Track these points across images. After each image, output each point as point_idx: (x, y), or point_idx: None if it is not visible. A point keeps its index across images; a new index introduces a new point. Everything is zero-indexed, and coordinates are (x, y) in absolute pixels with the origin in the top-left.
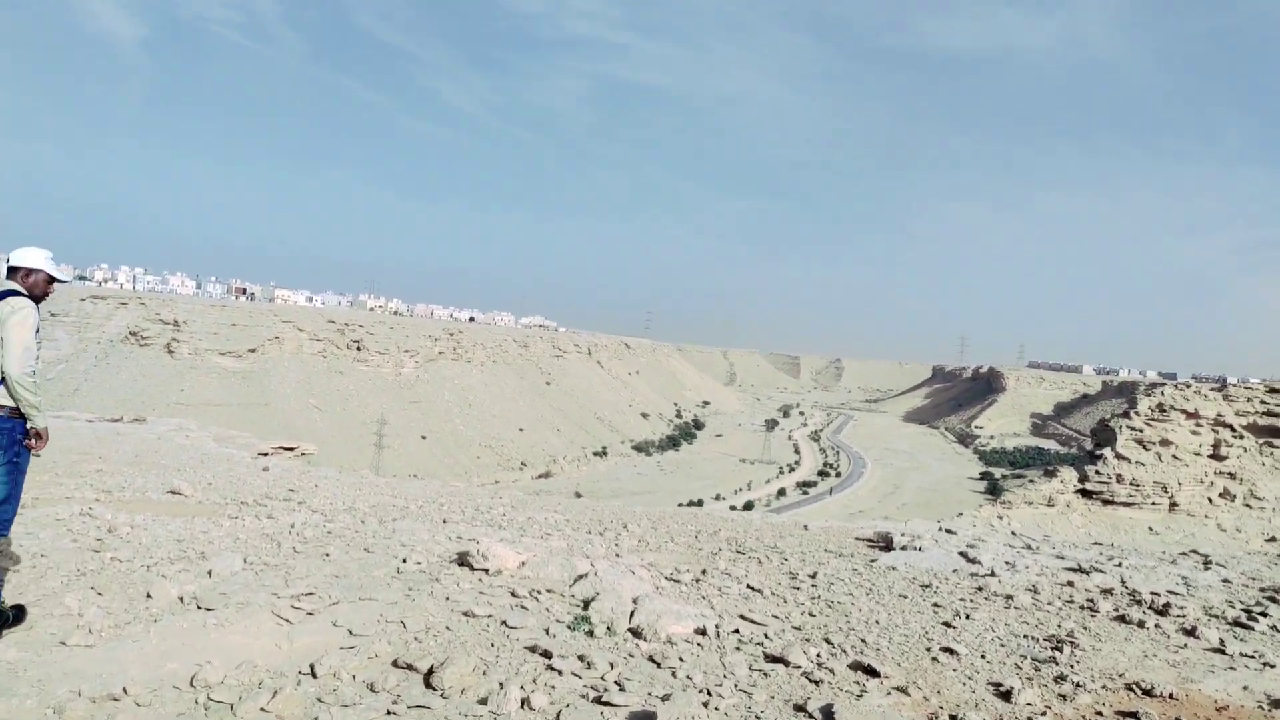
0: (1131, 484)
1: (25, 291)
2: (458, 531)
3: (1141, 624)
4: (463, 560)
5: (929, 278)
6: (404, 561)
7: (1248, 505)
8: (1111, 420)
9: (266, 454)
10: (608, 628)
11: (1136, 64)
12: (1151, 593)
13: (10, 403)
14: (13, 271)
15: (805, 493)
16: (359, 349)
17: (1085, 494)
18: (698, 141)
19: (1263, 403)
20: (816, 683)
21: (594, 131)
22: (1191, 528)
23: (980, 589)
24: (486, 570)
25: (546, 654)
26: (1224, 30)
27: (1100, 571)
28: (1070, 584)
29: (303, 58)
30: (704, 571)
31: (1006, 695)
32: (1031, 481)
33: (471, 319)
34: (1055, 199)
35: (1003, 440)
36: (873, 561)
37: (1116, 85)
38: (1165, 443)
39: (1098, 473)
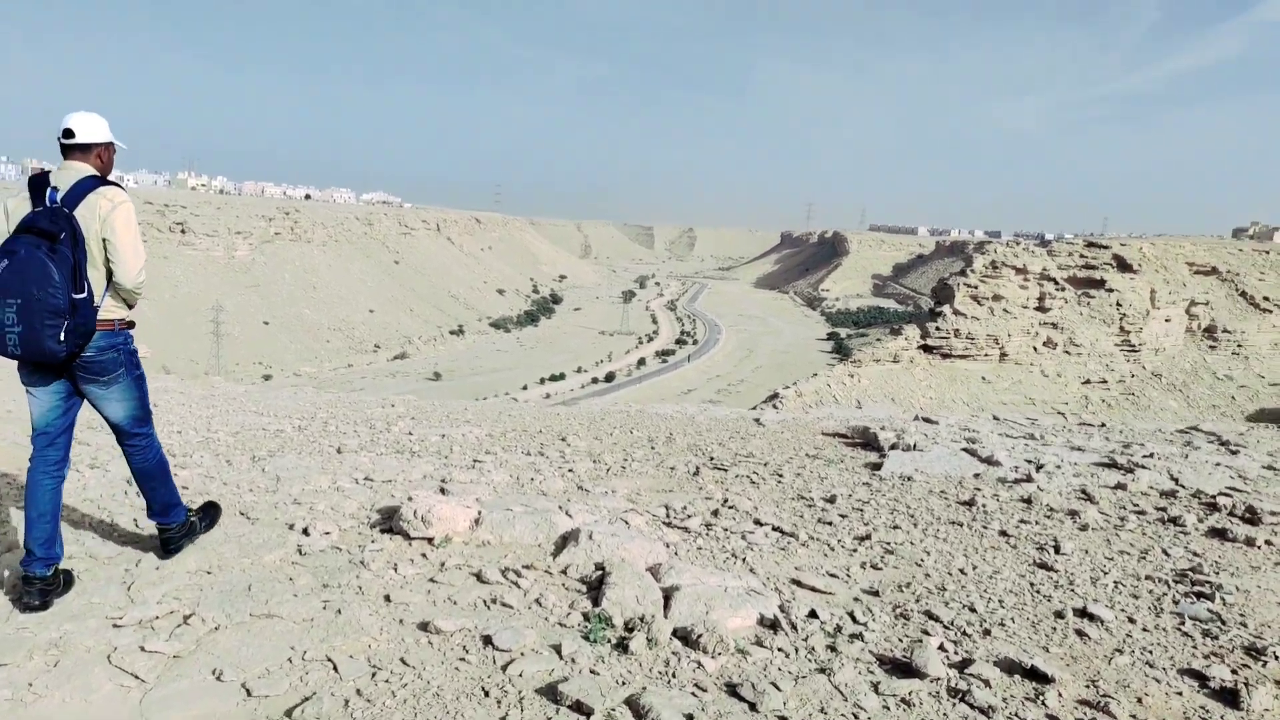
0: (967, 338)
1: (104, 174)
2: (362, 467)
3: (1251, 541)
4: (390, 523)
5: (776, 145)
6: (305, 534)
7: (1067, 352)
8: (950, 279)
9: None
10: (646, 636)
11: None
12: (1219, 493)
13: (121, 313)
14: (82, 149)
15: (664, 361)
16: (184, 232)
17: (927, 349)
18: (533, 2)
19: (1081, 256)
20: (985, 711)
21: None
22: (1019, 375)
23: (1029, 502)
24: (430, 540)
25: (581, 708)
26: None
27: (1142, 468)
28: (1121, 486)
29: None
30: (715, 513)
31: (1228, 697)
32: (879, 340)
33: (308, 196)
34: (891, 62)
35: (847, 301)
36: (875, 469)
37: None
38: (997, 298)
39: (937, 329)
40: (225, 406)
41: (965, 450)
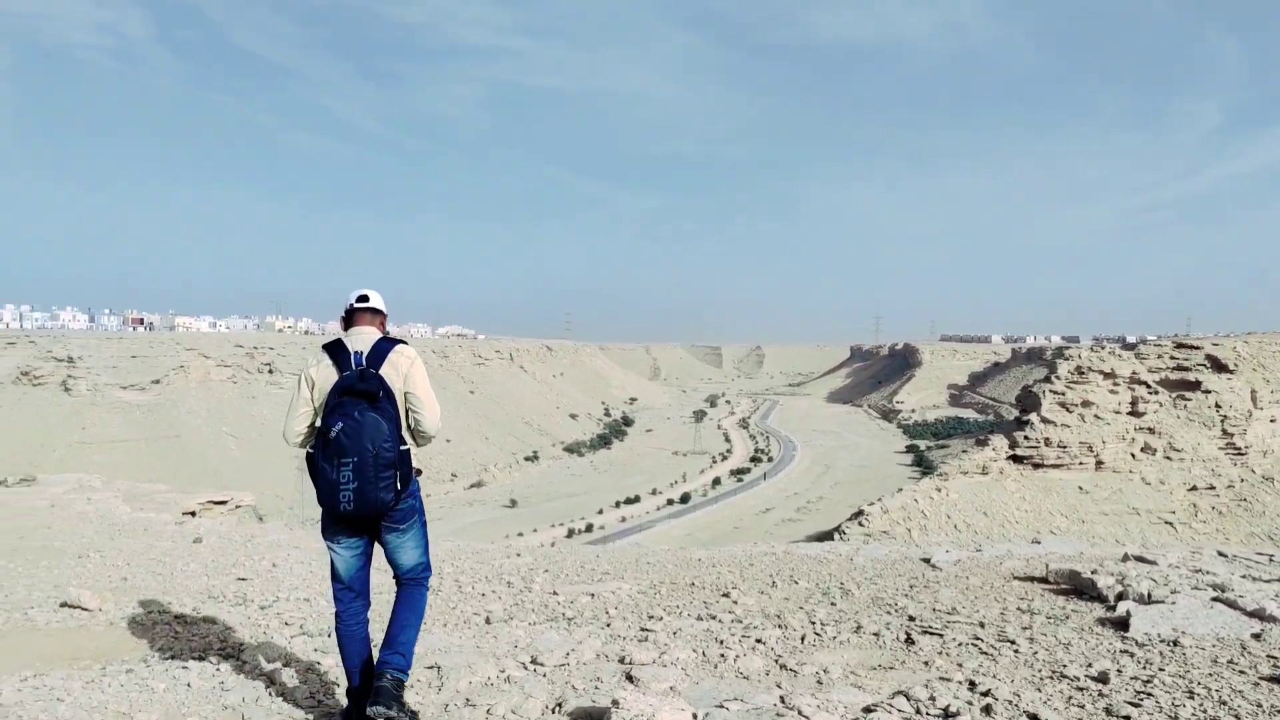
0: (1059, 446)
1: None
2: (521, 644)
3: None
4: None
5: (838, 261)
6: None
7: (1168, 457)
8: (1034, 386)
9: (193, 513)
10: None
11: (1010, 45)
12: None
13: (417, 463)
14: (373, 312)
15: (740, 480)
16: (271, 372)
17: (1016, 459)
18: (598, 141)
19: (1172, 358)
20: None
21: (493, 137)
22: (1118, 484)
23: None
24: None
25: None
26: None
27: None
28: None
29: (181, 79)
30: (986, 710)
31: None
32: (964, 452)
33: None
34: (944, 177)
35: (924, 413)
36: (1118, 628)
37: (994, 66)
38: (1086, 404)
39: (1026, 438)
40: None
41: (1218, 600)
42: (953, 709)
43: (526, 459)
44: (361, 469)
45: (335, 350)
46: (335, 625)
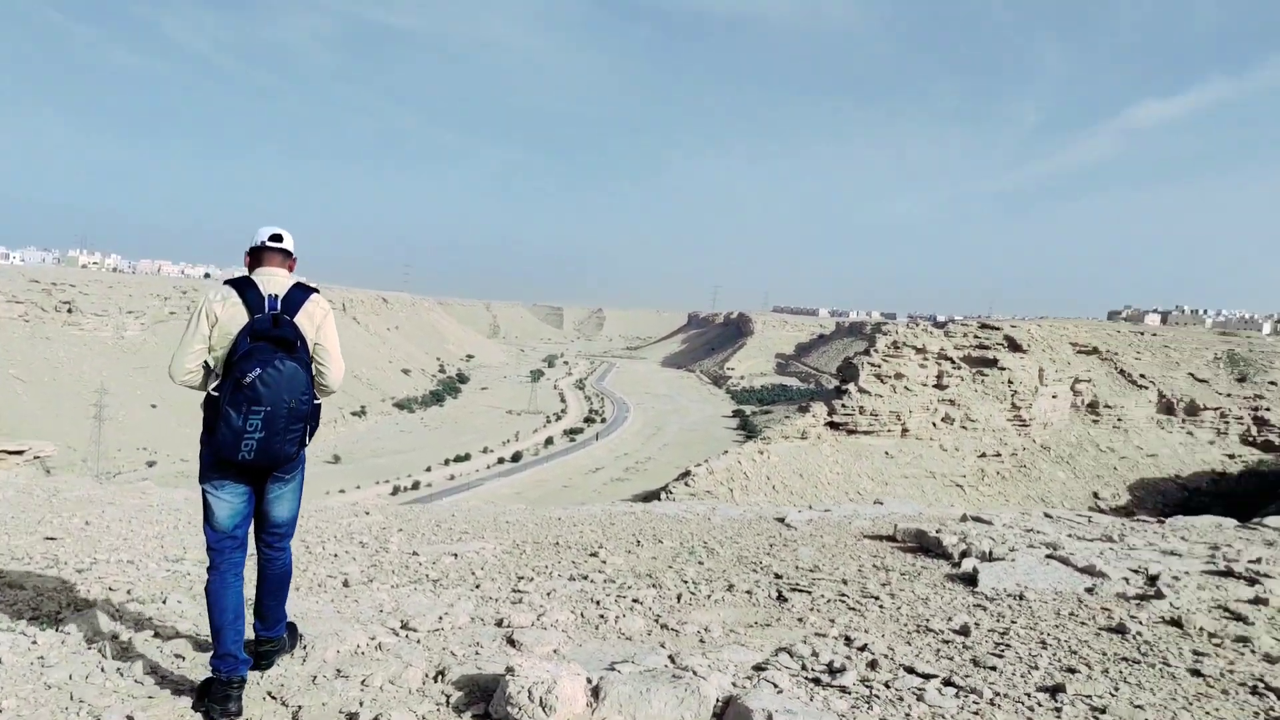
0: (872, 414)
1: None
2: (388, 609)
3: None
4: (488, 707)
5: (684, 228)
6: None
7: (964, 427)
8: (855, 358)
9: None
10: None
11: (865, 32)
12: None
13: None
14: (284, 254)
15: (573, 440)
16: (70, 311)
17: (833, 426)
18: (453, 89)
19: (975, 337)
20: None
21: (340, 75)
22: (920, 450)
23: (1179, 625)
24: None
25: None
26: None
27: (1268, 576)
28: (1262, 601)
29: None
30: (872, 664)
31: None
32: (786, 418)
33: (208, 275)
34: (793, 154)
35: (752, 380)
36: (967, 584)
37: (848, 51)
38: (899, 376)
39: (843, 406)
40: (173, 521)
41: (1052, 558)
42: (836, 664)
43: (353, 414)
44: (272, 420)
45: (244, 288)
46: (209, 579)
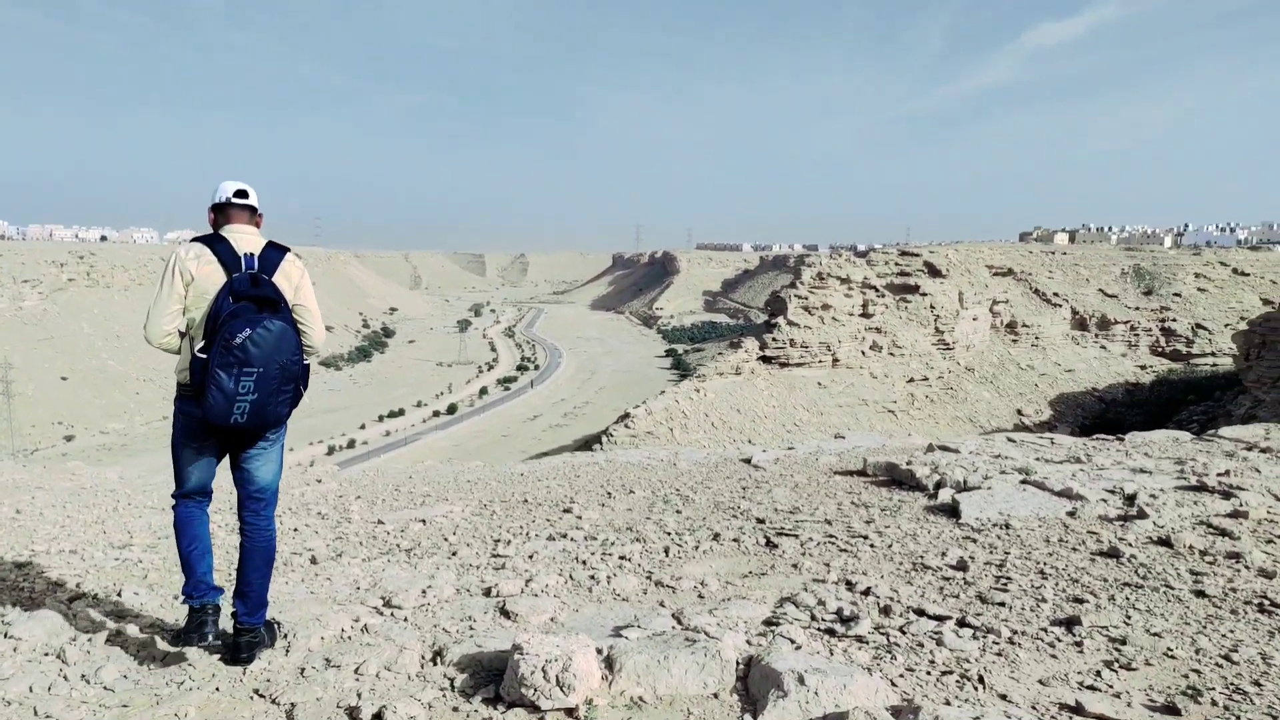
0: (802, 346)
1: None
2: (365, 585)
3: None
4: (500, 688)
5: (603, 168)
6: None
7: (891, 354)
8: (781, 291)
9: None
10: None
11: None
12: None
13: None
14: (251, 210)
15: (507, 389)
16: None
17: (765, 360)
18: (350, 31)
19: (896, 264)
20: None
21: (227, 18)
22: (851, 378)
23: (1169, 544)
24: (571, 712)
25: None
26: None
27: (1241, 489)
28: (1242, 514)
29: None
30: (884, 610)
31: None
32: (720, 354)
33: (104, 238)
34: (709, 87)
35: (681, 319)
36: (950, 515)
37: None
38: (826, 307)
39: (774, 339)
40: (111, 504)
41: (1028, 483)
42: (846, 612)
43: None
44: (265, 380)
45: (215, 245)
46: (177, 511)
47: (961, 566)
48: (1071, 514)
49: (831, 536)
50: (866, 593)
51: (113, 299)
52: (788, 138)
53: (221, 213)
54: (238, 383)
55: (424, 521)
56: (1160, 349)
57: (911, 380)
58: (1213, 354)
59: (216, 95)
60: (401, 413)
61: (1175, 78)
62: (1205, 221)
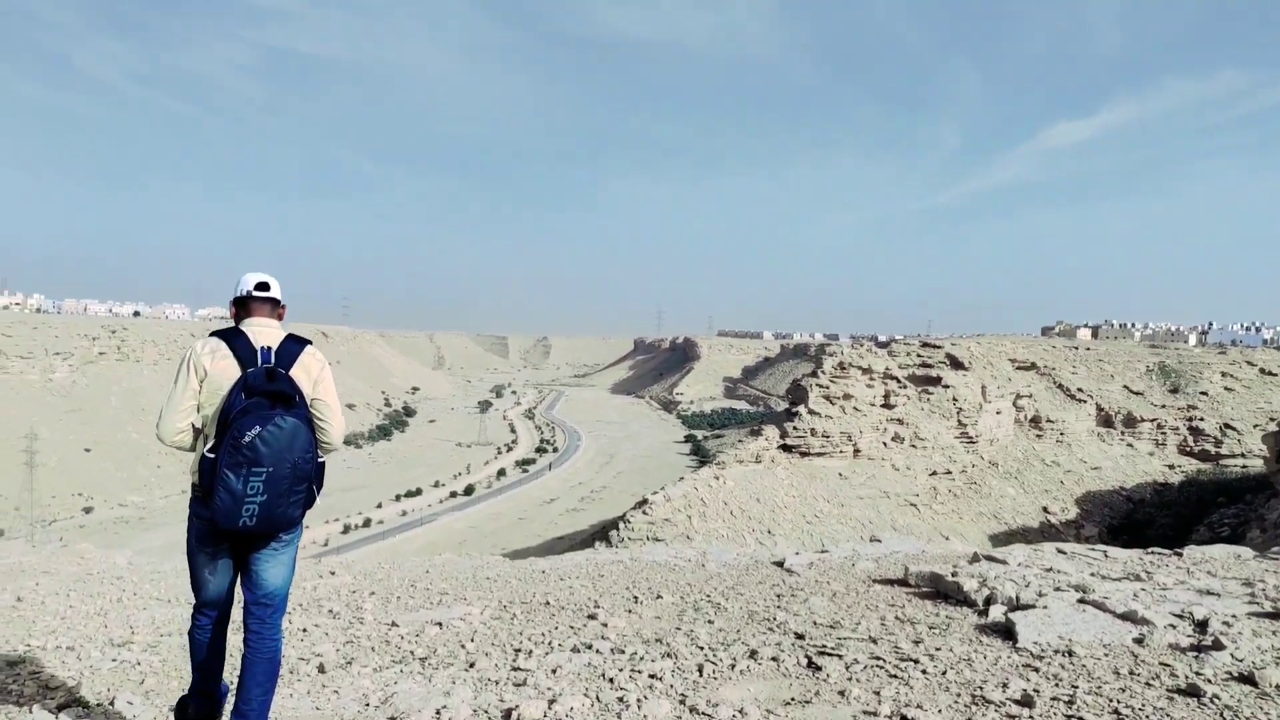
0: (823, 435)
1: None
2: (374, 702)
3: None
4: None
5: (624, 255)
6: None
7: (913, 446)
8: (803, 380)
9: None
10: None
11: (786, 57)
12: None
13: None
14: (274, 303)
15: (525, 470)
16: None
17: (786, 448)
18: (381, 119)
19: (918, 355)
20: None
21: (264, 106)
22: (872, 470)
23: (1252, 683)
24: None
25: None
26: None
27: None
28: None
29: None
30: None
31: None
32: (740, 441)
33: (137, 313)
34: (727, 179)
35: (701, 404)
36: (1003, 636)
37: (771, 77)
38: (847, 396)
39: (795, 428)
40: (115, 594)
41: (1086, 603)
42: None
43: None
44: (275, 481)
45: (233, 339)
46: (193, 636)
47: (1026, 702)
48: (1139, 641)
49: (878, 659)
50: None
51: (141, 373)
52: (807, 228)
53: (243, 306)
54: (246, 483)
55: (440, 625)
56: (1188, 448)
57: (934, 473)
58: (1242, 455)
59: (250, 178)
60: (419, 492)
61: (1193, 178)
62: (1230, 320)
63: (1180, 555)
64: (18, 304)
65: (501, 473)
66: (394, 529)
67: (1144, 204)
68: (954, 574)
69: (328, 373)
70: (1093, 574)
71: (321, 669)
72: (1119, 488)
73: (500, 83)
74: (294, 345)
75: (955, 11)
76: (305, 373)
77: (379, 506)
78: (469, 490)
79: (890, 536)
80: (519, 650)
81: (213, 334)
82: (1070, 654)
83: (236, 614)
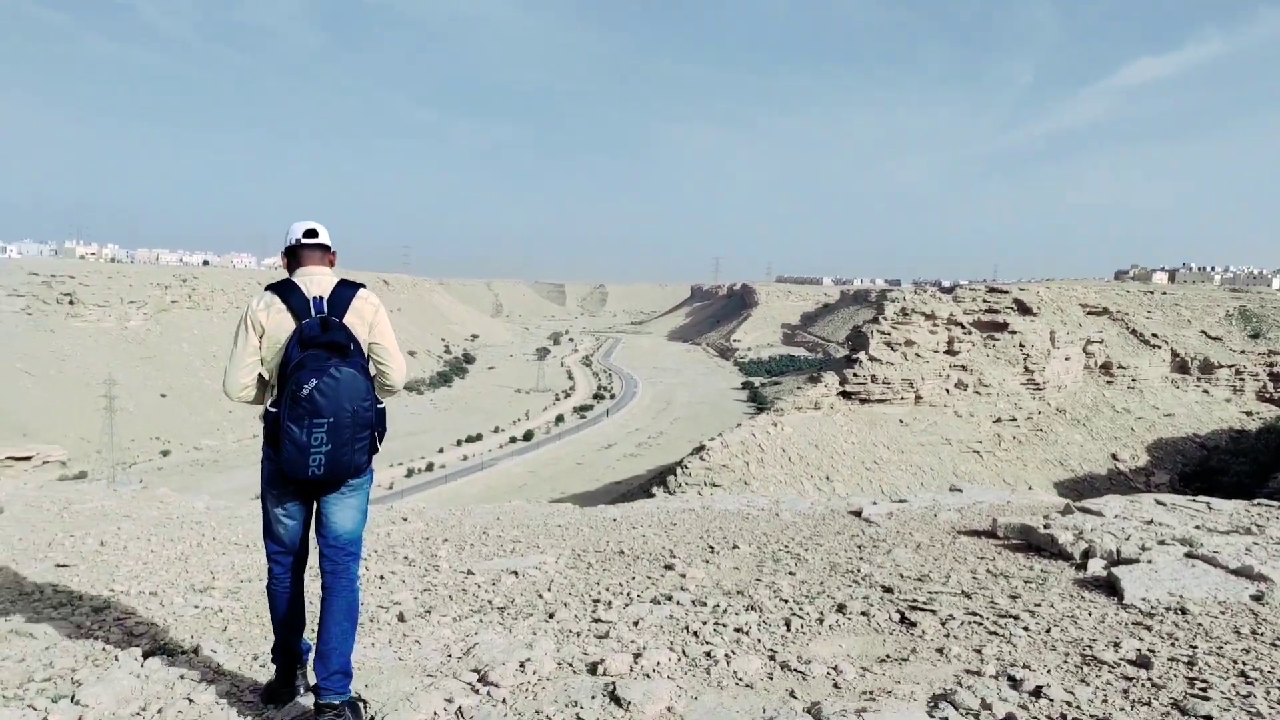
0: (884, 382)
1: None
2: (456, 653)
3: None
4: None
5: (681, 201)
6: None
7: (977, 393)
8: (864, 326)
9: None
10: None
11: None
12: None
13: None
14: (323, 249)
15: (583, 417)
16: (72, 303)
17: (845, 395)
18: (438, 66)
19: (984, 301)
20: None
21: (320, 55)
22: (934, 417)
23: None
24: None
25: None
26: None
27: None
28: None
29: None
30: (1064, 716)
31: None
32: (799, 388)
33: (206, 263)
34: (785, 122)
35: (759, 351)
36: (1105, 590)
37: (835, 14)
38: (909, 343)
39: (855, 375)
40: (195, 538)
41: (1194, 557)
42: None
43: None
44: (337, 430)
45: (286, 292)
46: (270, 588)
47: (1143, 663)
48: (1258, 599)
49: (974, 614)
50: (1037, 693)
51: (212, 320)
52: (867, 173)
53: (293, 256)
54: (310, 435)
55: (516, 574)
56: (1268, 395)
57: (999, 420)
58: None
59: (312, 128)
60: (479, 438)
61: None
62: None
63: None
64: (93, 254)
65: (560, 419)
66: (455, 473)
67: (1229, 142)
68: (1046, 525)
69: (383, 315)
70: (1197, 526)
71: (401, 618)
72: (1193, 435)
73: (557, 29)
74: (346, 290)
75: None
76: (359, 318)
77: (440, 451)
78: (528, 435)
79: (971, 486)
80: (598, 601)
81: (268, 288)
82: (1184, 611)
83: (314, 561)
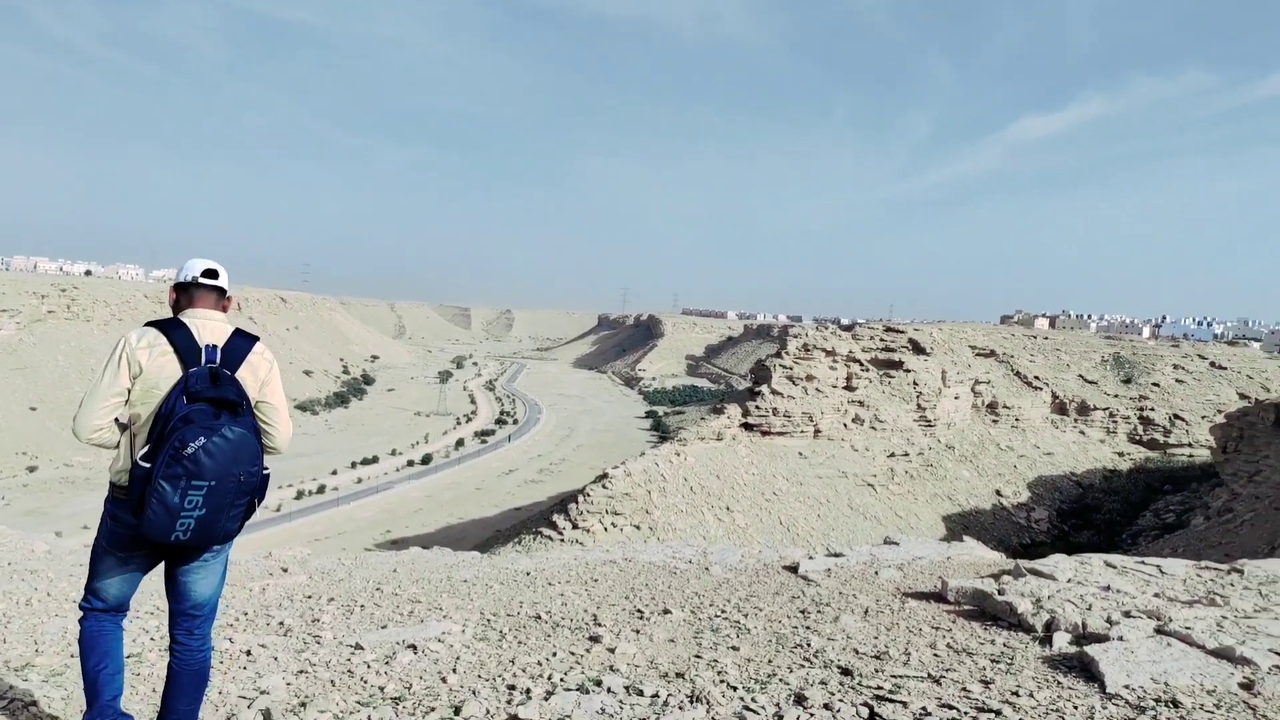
0: (785, 415)
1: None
2: None
3: None
4: None
5: (593, 231)
6: None
7: (873, 428)
8: (767, 360)
9: None
10: None
11: (765, 43)
12: None
13: None
14: (220, 293)
15: (484, 441)
16: None
17: (747, 427)
18: (351, 87)
19: (881, 340)
20: None
21: (230, 70)
22: (832, 450)
23: None
24: None
25: None
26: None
27: None
28: None
29: None
30: None
31: None
32: (702, 419)
33: (88, 272)
34: (696, 160)
35: (663, 381)
36: (1080, 674)
37: (748, 61)
38: (810, 378)
39: (757, 407)
40: (24, 594)
41: (1166, 634)
42: None
43: None
44: (217, 495)
45: (172, 332)
46: (86, 646)
47: None
48: (1247, 687)
49: (949, 706)
50: None
51: (92, 333)
52: (774, 212)
53: (185, 293)
54: (184, 497)
55: (414, 648)
56: (1138, 437)
57: (892, 455)
58: (1189, 444)
59: (213, 140)
60: (376, 460)
61: (1153, 175)
62: (1182, 314)
63: (1242, 573)
64: None
65: (460, 443)
66: (348, 496)
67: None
68: (1001, 591)
69: (276, 373)
70: (1156, 594)
71: (267, 716)
72: (1070, 473)
73: (477, 57)
74: (242, 342)
75: (931, 4)
76: (252, 373)
77: (334, 473)
78: (426, 459)
79: (906, 540)
80: (513, 688)
81: (149, 324)
82: (1175, 704)
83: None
